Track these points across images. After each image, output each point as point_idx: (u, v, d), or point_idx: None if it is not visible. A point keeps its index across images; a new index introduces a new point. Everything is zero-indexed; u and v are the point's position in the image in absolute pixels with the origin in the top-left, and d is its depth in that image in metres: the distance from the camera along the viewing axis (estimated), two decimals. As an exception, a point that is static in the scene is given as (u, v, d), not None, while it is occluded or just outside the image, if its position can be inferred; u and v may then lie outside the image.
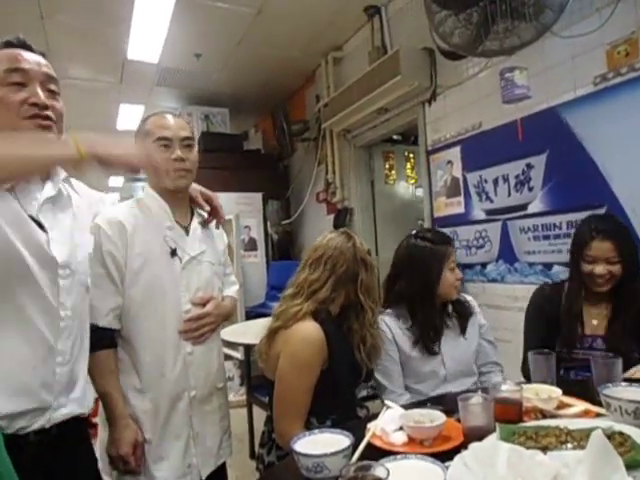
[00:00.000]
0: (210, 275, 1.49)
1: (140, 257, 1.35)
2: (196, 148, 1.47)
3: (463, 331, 1.68)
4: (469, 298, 1.78)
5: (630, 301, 1.55)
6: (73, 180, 1.23)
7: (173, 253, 1.40)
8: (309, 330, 1.32)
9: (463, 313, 1.70)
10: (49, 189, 1.11)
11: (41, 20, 3.07)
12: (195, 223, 1.49)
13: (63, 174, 1.18)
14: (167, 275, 1.38)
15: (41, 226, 1.05)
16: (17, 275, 1.00)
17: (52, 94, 1.10)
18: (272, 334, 1.39)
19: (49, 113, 1.07)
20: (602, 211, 2.01)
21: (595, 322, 1.61)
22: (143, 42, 3.54)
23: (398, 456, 0.93)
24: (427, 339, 1.61)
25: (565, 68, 2.15)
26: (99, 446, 1.35)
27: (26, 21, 3.05)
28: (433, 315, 1.62)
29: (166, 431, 1.35)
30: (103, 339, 1.29)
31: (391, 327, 1.63)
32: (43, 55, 1.12)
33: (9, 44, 1.08)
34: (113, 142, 1.01)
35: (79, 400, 1.12)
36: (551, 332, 1.61)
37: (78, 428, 1.14)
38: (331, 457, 0.92)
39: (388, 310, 1.68)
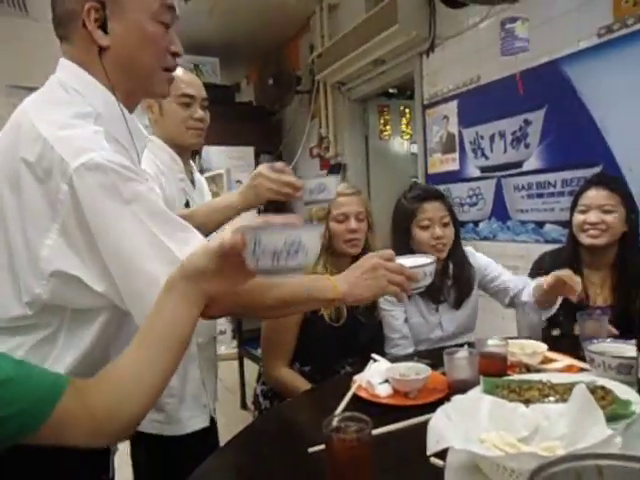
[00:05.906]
0: None
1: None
2: None
3: (458, 305, 1.61)
4: (474, 252, 1.70)
5: (635, 268, 1.46)
6: None
7: (187, 205, 1.39)
8: None
9: (460, 286, 1.61)
10: None
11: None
12: (198, 175, 1.49)
13: None
14: None
15: None
16: None
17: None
18: None
19: None
20: (597, 169, 1.98)
21: (598, 291, 1.55)
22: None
23: None
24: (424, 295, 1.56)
25: (569, 19, 2.05)
26: None
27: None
28: None
29: (186, 374, 1.35)
30: None
31: None
32: None
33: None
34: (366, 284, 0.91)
35: None
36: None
37: None
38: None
39: None
